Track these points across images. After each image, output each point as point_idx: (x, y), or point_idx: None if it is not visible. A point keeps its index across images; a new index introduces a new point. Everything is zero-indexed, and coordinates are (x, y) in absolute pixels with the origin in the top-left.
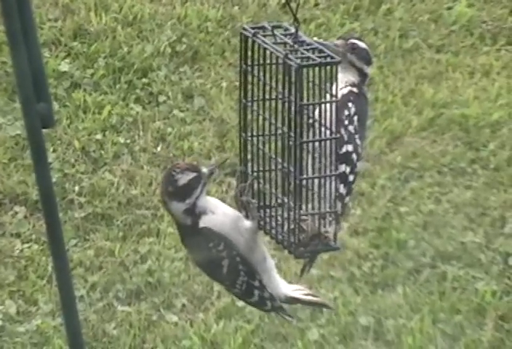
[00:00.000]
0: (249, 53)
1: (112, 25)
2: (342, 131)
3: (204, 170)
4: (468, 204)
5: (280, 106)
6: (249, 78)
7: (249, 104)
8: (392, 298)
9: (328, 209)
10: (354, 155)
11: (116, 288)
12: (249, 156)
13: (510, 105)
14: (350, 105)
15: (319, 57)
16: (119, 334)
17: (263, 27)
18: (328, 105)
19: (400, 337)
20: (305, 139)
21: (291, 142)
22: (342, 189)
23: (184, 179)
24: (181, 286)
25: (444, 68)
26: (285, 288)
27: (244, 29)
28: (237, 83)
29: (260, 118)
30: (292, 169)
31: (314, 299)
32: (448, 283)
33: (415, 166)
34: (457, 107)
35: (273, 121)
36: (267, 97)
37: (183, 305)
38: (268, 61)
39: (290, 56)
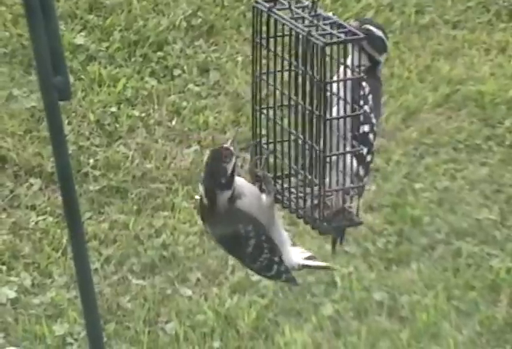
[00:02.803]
0: (264, 28)
1: None
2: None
3: (232, 148)
4: (483, 181)
5: (299, 81)
6: (264, 51)
7: (264, 78)
8: (406, 274)
9: (351, 184)
10: (371, 136)
11: (131, 261)
12: (264, 130)
13: None
14: (364, 84)
15: (341, 33)
16: (133, 307)
17: (276, 1)
18: (350, 81)
19: (414, 313)
20: (328, 116)
21: (314, 119)
22: (360, 170)
23: (230, 166)
24: (195, 260)
25: (460, 45)
26: (297, 257)
27: (257, 3)
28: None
29: (277, 92)
30: (315, 146)
31: (320, 264)
32: (462, 259)
33: (430, 143)
34: (473, 83)
35: (294, 96)
36: (283, 70)
37: (198, 279)
38: (281, 34)
39: (313, 33)
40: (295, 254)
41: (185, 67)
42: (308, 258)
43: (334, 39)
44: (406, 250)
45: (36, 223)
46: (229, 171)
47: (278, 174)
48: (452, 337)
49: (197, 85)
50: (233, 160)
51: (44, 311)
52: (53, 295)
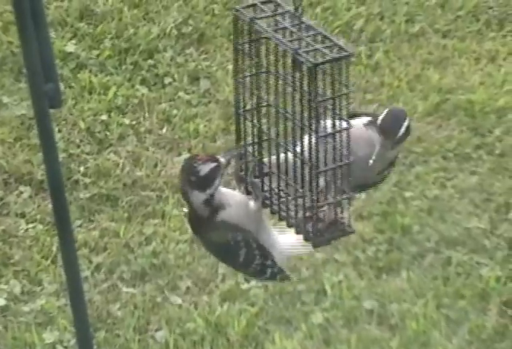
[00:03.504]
0: (246, 37)
1: (118, 6)
2: None
3: (222, 160)
4: (472, 190)
5: (286, 92)
6: (246, 58)
7: (246, 83)
8: (396, 283)
9: (343, 196)
10: None
11: (121, 269)
12: (250, 138)
13: None
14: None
15: (327, 47)
16: (124, 315)
17: (254, 5)
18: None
19: (404, 322)
20: (322, 133)
21: (306, 135)
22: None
23: (205, 169)
24: (186, 268)
25: (450, 54)
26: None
27: (237, 10)
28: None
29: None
30: (307, 160)
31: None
32: (452, 268)
33: (420, 151)
34: (463, 92)
35: (284, 110)
36: (271, 78)
37: (188, 287)
38: (264, 41)
39: (300, 51)
40: (286, 251)
41: (176, 76)
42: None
43: (324, 59)
44: (396, 258)
45: (26, 231)
46: (202, 172)
47: (269, 182)
48: (442, 346)
49: (187, 93)
50: (213, 165)
51: (34, 319)
52: (43, 303)
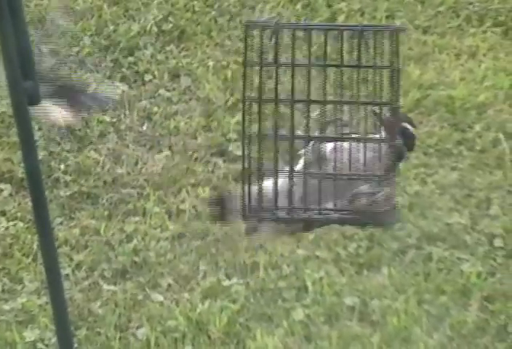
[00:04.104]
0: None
1: (98, 3)
2: None
3: None
4: (453, 185)
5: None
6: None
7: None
8: (377, 279)
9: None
10: None
11: (102, 267)
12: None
13: (496, 86)
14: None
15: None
16: (105, 313)
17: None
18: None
19: (385, 318)
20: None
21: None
22: None
23: None
24: (167, 266)
25: (430, 49)
26: None
27: (248, 26)
28: (223, 63)
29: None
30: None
31: None
32: (433, 264)
33: None
34: (444, 88)
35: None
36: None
37: (169, 285)
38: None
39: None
40: None
41: (156, 73)
42: None
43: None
44: (377, 255)
45: (6, 229)
46: None
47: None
48: (423, 341)
49: (168, 90)
50: None
51: (15, 317)
52: (24, 301)
